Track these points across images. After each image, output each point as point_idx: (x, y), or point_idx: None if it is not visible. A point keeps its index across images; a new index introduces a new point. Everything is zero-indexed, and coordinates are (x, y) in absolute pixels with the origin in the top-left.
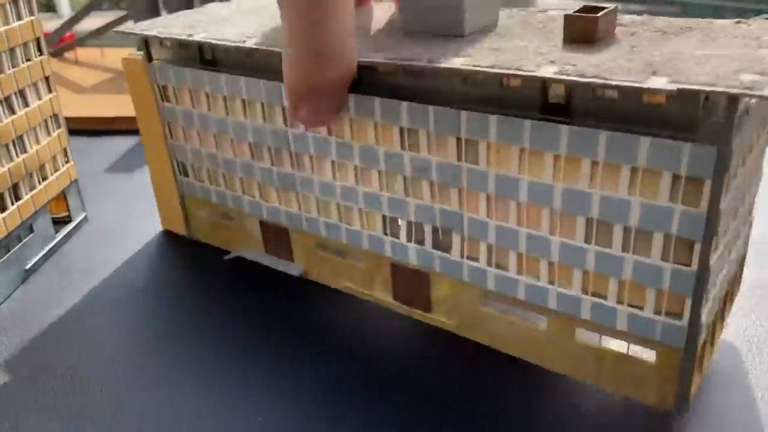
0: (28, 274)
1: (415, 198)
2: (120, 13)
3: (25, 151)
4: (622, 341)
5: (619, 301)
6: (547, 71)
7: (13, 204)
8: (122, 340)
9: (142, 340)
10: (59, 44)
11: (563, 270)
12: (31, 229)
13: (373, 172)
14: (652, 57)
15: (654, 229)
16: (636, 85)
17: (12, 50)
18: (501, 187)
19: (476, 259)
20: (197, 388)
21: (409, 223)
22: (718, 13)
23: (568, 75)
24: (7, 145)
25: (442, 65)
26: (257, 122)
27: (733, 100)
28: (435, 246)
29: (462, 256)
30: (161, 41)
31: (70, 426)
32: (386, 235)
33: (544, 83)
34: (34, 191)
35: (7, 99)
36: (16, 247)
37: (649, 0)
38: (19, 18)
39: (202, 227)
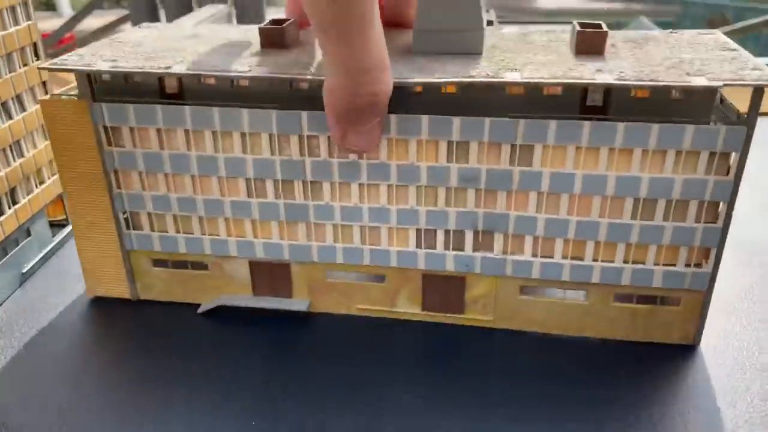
0: (25, 277)
1: (456, 207)
2: (121, 13)
3: (22, 155)
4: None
5: (656, 263)
6: (607, 78)
7: (10, 208)
8: (117, 345)
9: (136, 346)
10: (59, 45)
11: (608, 246)
12: (28, 233)
13: (411, 189)
14: (664, 62)
15: (691, 198)
16: (697, 84)
17: (9, 55)
18: (555, 183)
19: (520, 253)
20: (190, 398)
21: (447, 232)
22: (718, 11)
23: (627, 80)
24: (4, 150)
25: (520, 80)
26: (261, 155)
27: (758, 90)
28: (475, 249)
29: (505, 253)
30: (106, 76)
31: (67, 427)
32: (419, 248)
33: (585, 89)
34: (31, 195)
35: (4, 104)
36: (14, 250)
37: None
38: (16, 23)
39: (156, 285)
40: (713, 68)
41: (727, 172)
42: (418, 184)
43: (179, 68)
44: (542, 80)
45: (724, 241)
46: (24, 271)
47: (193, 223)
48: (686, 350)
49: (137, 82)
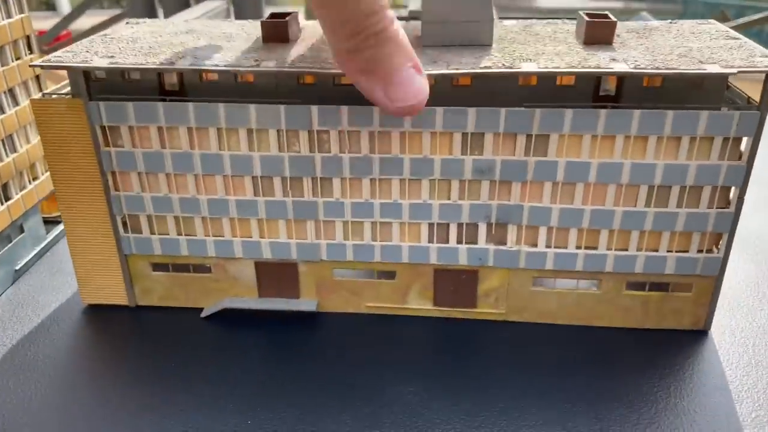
0: (18, 274)
1: (470, 200)
2: (116, 11)
3: (15, 150)
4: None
5: (669, 250)
6: (623, 67)
7: (2, 204)
8: (113, 346)
9: (133, 346)
10: (55, 42)
11: (622, 235)
12: (21, 229)
13: (424, 182)
14: (673, 50)
15: (704, 184)
16: (712, 71)
17: (1, 49)
18: (570, 172)
19: (534, 245)
20: (189, 399)
21: (460, 225)
22: (718, 9)
23: (645, 68)
24: None
25: (539, 70)
26: (269, 152)
27: None
28: (489, 242)
29: (518, 245)
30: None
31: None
32: (431, 242)
33: (597, 78)
34: (24, 191)
35: None
36: (6, 247)
37: None
38: (9, 15)
39: (156, 290)
40: (723, 56)
41: (740, 157)
42: (431, 178)
43: (183, 63)
44: (562, 69)
45: (736, 227)
46: (17, 267)
47: (195, 224)
48: (697, 336)
49: (134, 79)
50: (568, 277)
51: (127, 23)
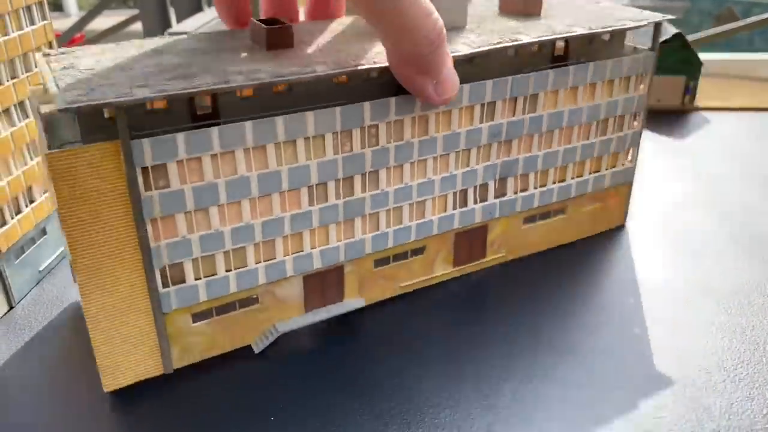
0: (42, 275)
1: (483, 162)
2: (131, 12)
3: (38, 154)
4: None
5: (606, 168)
6: (582, 30)
7: (27, 206)
8: None
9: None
10: (69, 45)
11: (582, 163)
12: (44, 232)
13: (452, 156)
14: (589, 15)
15: (625, 113)
16: (632, 25)
17: (25, 55)
18: (552, 122)
19: (526, 189)
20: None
21: (475, 188)
22: (725, 5)
23: (596, 30)
24: (21, 149)
25: (542, 38)
26: (327, 157)
27: (657, 25)
28: (496, 195)
29: (516, 193)
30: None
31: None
32: (455, 209)
33: (554, 43)
34: (47, 193)
35: (21, 103)
36: (30, 248)
37: None
38: (32, 22)
39: (197, 345)
40: (624, 15)
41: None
42: (457, 150)
43: (214, 83)
44: (555, 36)
45: (639, 140)
46: (41, 269)
47: (247, 253)
48: (618, 230)
49: (158, 110)
50: (547, 210)
51: (79, 49)
